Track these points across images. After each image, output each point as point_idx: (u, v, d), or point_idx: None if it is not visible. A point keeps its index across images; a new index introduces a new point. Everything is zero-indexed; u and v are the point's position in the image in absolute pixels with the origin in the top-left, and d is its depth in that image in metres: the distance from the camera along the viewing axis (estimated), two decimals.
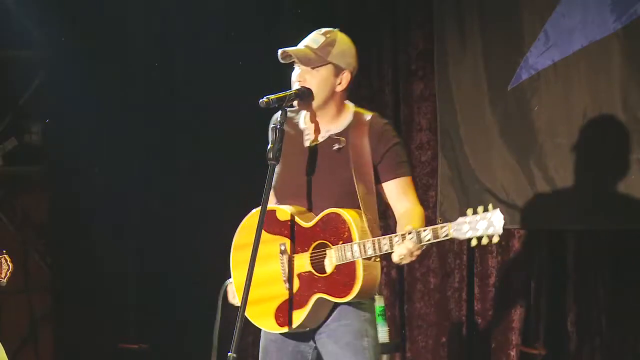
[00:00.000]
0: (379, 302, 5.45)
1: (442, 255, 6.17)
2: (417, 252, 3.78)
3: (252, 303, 3.87)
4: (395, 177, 3.98)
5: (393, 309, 6.30)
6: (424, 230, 3.77)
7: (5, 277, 4.72)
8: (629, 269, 5.50)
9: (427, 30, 6.21)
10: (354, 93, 4.13)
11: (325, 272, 3.91)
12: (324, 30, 4.00)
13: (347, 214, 3.88)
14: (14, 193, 7.04)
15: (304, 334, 4.01)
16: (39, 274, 7.02)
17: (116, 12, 6.75)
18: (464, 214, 5.97)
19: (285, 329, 3.96)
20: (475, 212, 3.76)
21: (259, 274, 3.91)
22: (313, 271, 3.92)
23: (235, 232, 4.13)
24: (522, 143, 5.77)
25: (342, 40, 3.98)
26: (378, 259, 3.89)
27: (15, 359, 6.51)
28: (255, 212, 3.98)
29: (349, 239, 3.85)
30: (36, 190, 7.07)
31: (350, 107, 4.06)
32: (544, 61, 5.67)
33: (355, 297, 3.86)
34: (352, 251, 3.83)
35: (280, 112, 3.93)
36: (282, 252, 3.96)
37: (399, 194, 3.98)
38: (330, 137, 4.01)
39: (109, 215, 6.92)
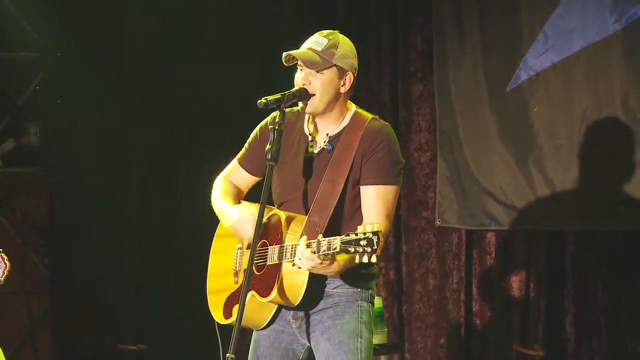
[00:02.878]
0: (378, 304, 5.44)
1: (440, 256, 6.16)
2: (309, 261, 3.65)
3: (209, 293, 4.13)
4: (372, 184, 3.88)
5: (392, 310, 6.30)
6: (322, 241, 3.62)
7: (3, 275, 4.72)
8: (627, 270, 5.50)
9: (426, 32, 6.21)
10: (353, 94, 4.11)
11: (261, 271, 3.94)
12: (325, 32, 3.97)
13: (283, 216, 3.89)
14: (12, 194, 7.03)
15: (299, 333, 4.00)
16: (38, 274, 7.01)
17: (116, 11, 6.74)
18: (462, 215, 6.04)
19: (228, 321, 4.00)
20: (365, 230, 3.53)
21: (217, 266, 4.13)
22: (253, 268, 3.92)
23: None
24: (522, 144, 5.76)
25: (344, 42, 3.96)
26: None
27: (13, 359, 6.51)
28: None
29: (280, 241, 3.87)
30: (35, 191, 7.06)
31: (352, 108, 4.03)
32: (543, 62, 5.66)
33: (274, 299, 3.85)
34: (275, 253, 3.87)
35: (278, 113, 3.92)
36: (238, 248, 4.05)
37: (369, 202, 3.87)
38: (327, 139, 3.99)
39: (108, 216, 6.91)
